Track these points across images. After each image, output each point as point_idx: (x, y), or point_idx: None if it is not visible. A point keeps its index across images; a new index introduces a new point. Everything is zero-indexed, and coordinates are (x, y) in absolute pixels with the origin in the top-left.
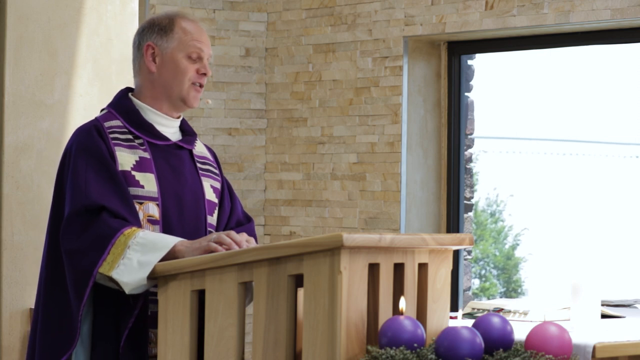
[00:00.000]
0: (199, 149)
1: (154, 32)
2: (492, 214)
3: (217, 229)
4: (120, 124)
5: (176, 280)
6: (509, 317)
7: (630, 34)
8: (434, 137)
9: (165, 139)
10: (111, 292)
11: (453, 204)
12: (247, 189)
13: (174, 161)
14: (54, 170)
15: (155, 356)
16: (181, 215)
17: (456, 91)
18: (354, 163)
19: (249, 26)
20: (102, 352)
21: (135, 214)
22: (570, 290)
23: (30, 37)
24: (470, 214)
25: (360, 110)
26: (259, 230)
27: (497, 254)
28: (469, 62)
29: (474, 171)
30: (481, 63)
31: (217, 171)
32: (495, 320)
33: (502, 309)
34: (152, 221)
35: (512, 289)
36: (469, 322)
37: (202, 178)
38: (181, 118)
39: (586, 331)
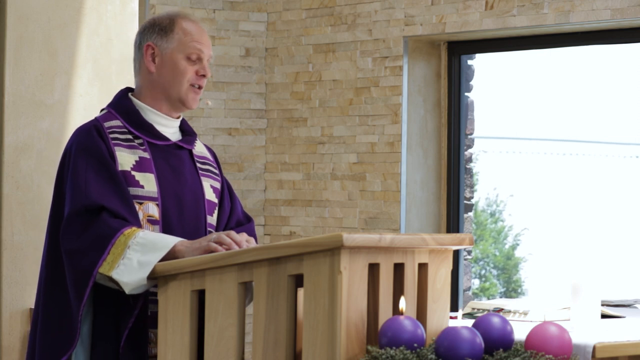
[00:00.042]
0: (199, 149)
1: (154, 32)
2: (492, 214)
3: (217, 229)
4: (120, 124)
5: (176, 280)
6: (509, 317)
7: (630, 34)
8: (434, 137)
9: (165, 139)
10: (111, 292)
11: (453, 204)
12: (247, 189)
13: (173, 161)
14: (54, 170)
15: (155, 356)
16: (181, 215)
17: (456, 91)
18: (354, 163)
19: (249, 26)
20: (102, 352)
21: (135, 214)
22: (570, 290)
23: (30, 37)
24: (470, 214)
25: (360, 110)
26: (259, 230)
27: (497, 254)
28: (469, 62)
29: (474, 171)
30: (481, 63)
31: (217, 171)
32: (495, 320)
33: (502, 309)
34: (151, 221)
35: (512, 289)
36: (469, 322)
37: (202, 178)
38: (181, 118)
39: (586, 331)
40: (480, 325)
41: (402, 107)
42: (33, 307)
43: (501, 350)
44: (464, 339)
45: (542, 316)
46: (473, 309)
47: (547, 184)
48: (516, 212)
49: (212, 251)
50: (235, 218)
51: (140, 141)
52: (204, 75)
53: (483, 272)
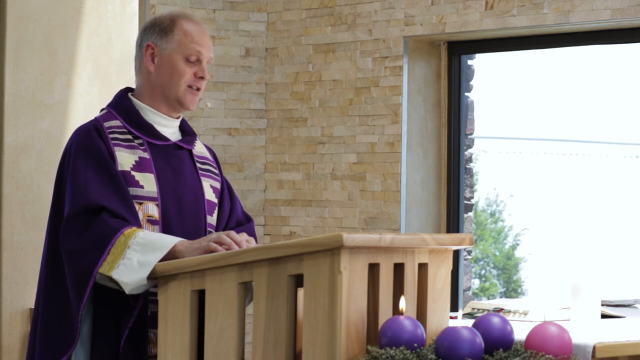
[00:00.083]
0: (199, 149)
1: (154, 32)
2: (492, 214)
3: (216, 229)
4: (120, 124)
5: (176, 280)
6: (509, 317)
7: (630, 34)
8: (434, 137)
9: (165, 139)
10: (111, 292)
11: (453, 204)
12: (247, 189)
13: (173, 161)
14: (54, 170)
15: (155, 356)
16: (181, 215)
17: (456, 91)
18: (354, 163)
19: (249, 26)
20: (101, 352)
21: (135, 214)
22: (570, 290)
23: (30, 37)
24: (470, 214)
25: (360, 110)
26: (259, 230)
27: (497, 254)
28: (469, 62)
29: (474, 171)
30: (481, 63)
31: (216, 171)
32: (495, 320)
33: (502, 309)
34: (151, 221)
35: (512, 289)
36: (469, 322)
37: (202, 178)
38: (181, 118)
39: (586, 331)
40: (480, 325)
41: (402, 107)
42: (33, 307)
43: (501, 350)
44: (464, 339)
45: (542, 316)
46: (473, 309)
47: (547, 184)
48: (516, 212)
49: (212, 251)
50: (235, 218)
51: (140, 141)
52: (202, 77)
53: (483, 272)
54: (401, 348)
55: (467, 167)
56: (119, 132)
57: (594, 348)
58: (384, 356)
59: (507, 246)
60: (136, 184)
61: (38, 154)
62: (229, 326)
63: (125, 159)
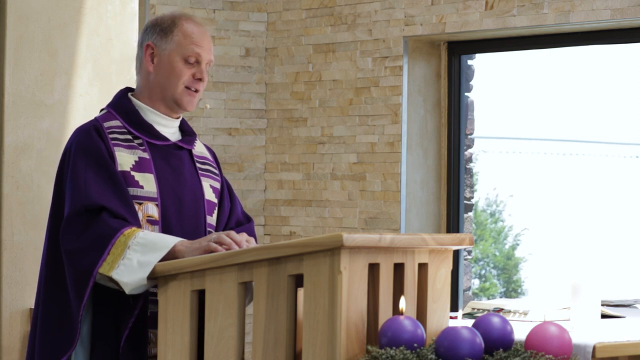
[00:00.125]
0: (199, 149)
1: (155, 32)
2: (492, 214)
3: (216, 229)
4: (120, 124)
5: (176, 280)
6: (509, 317)
7: (630, 34)
8: (434, 137)
9: (165, 139)
10: (111, 292)
11: (453, 204)
12: (247, 189)
13: (173, 161)
14: (54, 170)
15: (155, 356)
16: (180, 215)
17: (456, 91)
18: (354, 163)
19: (249, 26)
20: (101, 352)
21: (134, 214)
22: (570, 290)
23: (30, 37)
24: (470, 214)
25: (360, 110)
26: (259, 230)
27: (497, 254)
28: (469, 62)
29: (474, 171)
30: (481, 63)
31: (216, 171)
32: (495, 320)
33: (502, 309)
34: (151, 221)
35: (512, 289)
36: (469, 322)
37: (202, 178)
38: (181, 118)
39: (586, 331)
40: (480, 325)
41: (402, 107)
42: (33, 307)
43: (501, 350)
44: (464, 339)
45: (542, 316)
46: (473, 309)
47: (547, 184)
48: (516, 212)
49: (212, 251)
50: (235, 218)
51: (139, 141)
52: (200, 79)
53: (483, 272)
54: (401, 348)
55: (467, 167)
56: (118, 132)
57: (594, 348)
58: (384, 356)
59: (507, 246)
60: (136, 184)
61: (38, 154)
62: (229, 326)
63: (124, 159)
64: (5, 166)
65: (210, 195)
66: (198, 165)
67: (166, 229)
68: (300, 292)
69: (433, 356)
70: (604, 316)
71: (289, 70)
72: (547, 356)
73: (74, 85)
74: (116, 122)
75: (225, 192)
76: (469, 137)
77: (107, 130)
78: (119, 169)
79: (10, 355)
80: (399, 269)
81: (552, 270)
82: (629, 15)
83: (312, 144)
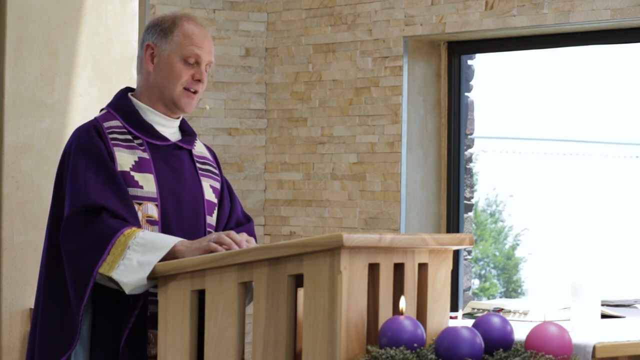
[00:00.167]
0: (199, 149)
1: (155, 32)
2: (492, 214)
3: (216, 229)
4: (120, 124)
5: (176, 280)
6: (509, 317)
7: (630, 34)
8: (434, 137)
9: (165, 139)
10: (111, 292)
11: (453, 204)
12: (247, 189)
13: (173, 161)
14: (54, 170)
15: (154, 357)
16: (180, 215)
17: (456, 91)
18: (354, 163)
19: (249, 26)
20: (101, 352)
21: (134, 215)
22: (570, 290)
23: (30, 37)
24: (470, 214)
25: (360, 110)
26: (259, 230)
27: (497, 254)
28: (469, 62)
29: (473, 171)
30: (481, 63)
31: (216, 171)
32: (495, 320)
33: (502, 309)
34: (150, 222)
35: (512, 289)
36: (469, 322)
37: (202, 178)
38: (180, 118)
39: (586, 331)
40: (480, 325)
41: (402, 107)
42: (33, 307)
43: (501, 350)
44: (464, 339)
45: (542, 316)
46: (473, 309)
47: (547, 184)
48: (516, 212)
49: (212, 251)
50: (235, 218)
51: (139, 141)
52: (199, 80)
53: (483, 272)
54: (401, 348)
55: (467, 167)
56: (118, 132)
57: (594, 348)
58: (384, 356)
59: (507, 246)
60: (135, 185)
61: (38, 154)
62: (229, 326)
63: (124, 159)
64: (5, 166)
65: (210, 196)
66: (198, 165)
67: (166, 229)
68: (300, 292)
69: (433, 356)
70: (604, 316)
71: (289, 70)
72: (547, 356)
73: (74, 85)
74: (116, 122)
75: (225, 192)
76: (469, 137)
77: (107, 130)
78: (119, 169)
79: (10, 355)
80: (399, 269)
81: (552, 270)
82: (629, 15)
83: (312, 144)
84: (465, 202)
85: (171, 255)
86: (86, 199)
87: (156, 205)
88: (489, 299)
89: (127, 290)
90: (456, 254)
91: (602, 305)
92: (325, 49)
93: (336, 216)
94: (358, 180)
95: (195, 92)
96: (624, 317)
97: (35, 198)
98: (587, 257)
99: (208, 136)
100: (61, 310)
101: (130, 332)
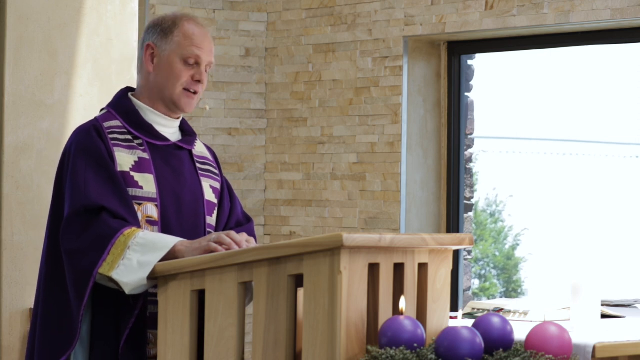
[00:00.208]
0: (199, 149)
1: (156, 32)
2: (492, 214)
3: (216, 229)
4: (120, 124)
5: (176, 280)
6: (509, 317)
7: (630, 34)
8: (434, 137)
9: (165, 139)
10: (111, 292)
11: (453, 204)
12: (247, 189)
13: (173, 162)
14: (54, 170)
15: (154, 357)
16: (180, 215)
17: (456, 91)
18: (354, 163)
19: (249, 26)
20: (101, 352)
21: (134, 215)
22: (570, 290)
23: (30, 37)
24: (470, 214)
25: (360, 110)
26: (259, 230)
27: (497, 254)
28: (469, 62)
29: (473, 171)
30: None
31: (216, 171)
32: (495, 320)
33: (502, 309)
34: (150, 222)
35: (512, 289)
36: (469, 322)
37: (202, 178)
38: (181, 118)
39: (586, 331)
40: (480, 325)
41: (402, 107)
42: (33, 307)
43: (501, 350)
44: (464, 339)
45: (542, 316)
46: (473, 309)
47: (547, 184)
48: (516, 213)
49: (212, 251)
50: (235, 218)
51: (139, 141)
52: (199, 81)
53: (483, 272)
54: (401, 348)
55: (467, 167)
56: (118, 133)
57: (594, 348)
58: (384, 356)
59: (507, 246)
60: (135, 185)
61: (38, 154)
62: (229, 326)
63: (124, 159)
64: (5, 166)
65: (210, 196)
66: (198, 165)
67: (165, 229)
68: (300, 292)
69: (433, 356)
70: (604, 316)
71: (289, 70)
72: (547, 356)
73: (74, 85)
74: (116, 122)
75: (225, 192)
76: (469, 137)
77: (107, 131)
78: (119, 169)
79: (10, 355)
80: (399, 269)
81: (552, 270)
82: (629, 15)
83: (312, 144)
84: (465, 202)
85: (171, 255)
86: (86, 199)
87: (156, 205)
88: (489, 299)
89: (127, 291)
90: (456, 254)
91: (602, 305)
92: (325, 49)
93: (336, 216)
94: (358, 180)
95: (195, 93)
96: (624, 317)
97: (35, 198)
98: (587, 257)
99: (208, 136)
100: (61, 310)
101: (130, 332)
